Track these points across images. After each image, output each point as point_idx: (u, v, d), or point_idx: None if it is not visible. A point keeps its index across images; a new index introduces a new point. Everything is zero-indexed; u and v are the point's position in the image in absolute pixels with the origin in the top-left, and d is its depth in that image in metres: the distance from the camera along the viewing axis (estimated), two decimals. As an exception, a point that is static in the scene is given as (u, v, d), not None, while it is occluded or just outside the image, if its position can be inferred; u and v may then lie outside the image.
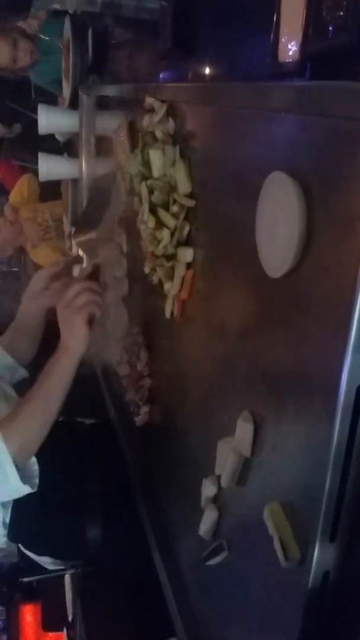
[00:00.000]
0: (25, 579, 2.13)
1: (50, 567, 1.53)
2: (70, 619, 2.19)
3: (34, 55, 2.50)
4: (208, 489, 0.93)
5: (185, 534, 1.09)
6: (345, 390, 0.57)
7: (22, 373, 1.52)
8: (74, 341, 1.25)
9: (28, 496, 1.20)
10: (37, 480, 1.24)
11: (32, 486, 1.21)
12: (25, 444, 1.19)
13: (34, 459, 1.25)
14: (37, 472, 1.25)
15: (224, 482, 0.86)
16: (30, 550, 1.45)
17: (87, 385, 1.82)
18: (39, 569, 1.54)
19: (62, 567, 1.57)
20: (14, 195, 3.00)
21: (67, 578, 2.06)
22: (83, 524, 1.41)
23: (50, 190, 2.93)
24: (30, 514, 1.31)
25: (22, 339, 1.49)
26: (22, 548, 1.47)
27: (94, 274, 1.38)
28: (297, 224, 0.66)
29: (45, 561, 1.48)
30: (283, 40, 0.71)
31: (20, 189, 2.97)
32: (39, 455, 1.24)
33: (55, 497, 1.34)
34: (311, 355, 0.65)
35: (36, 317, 1.47)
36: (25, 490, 1.19)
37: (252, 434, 0.79)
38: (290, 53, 0.69)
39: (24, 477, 1.19)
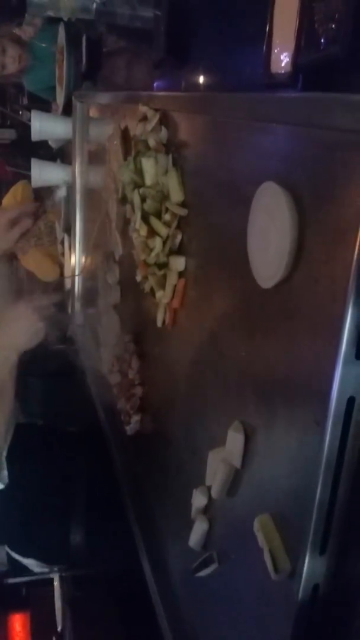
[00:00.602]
0: (10, 580, 2.12)
1: (36, 569, 1.52)
2: (59, 628, 2.17)
3: (23, 61, 2.50)
4: (198, 500, 0.93)
5: (175, 544, 1.09)
6: (335, 401, 0.57)
7: None
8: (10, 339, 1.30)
9: (14, 497, 1.20)
10: (5, 474, 1.24)
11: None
12: None
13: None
14: (4, 466, 1.25)
15: (214, 493, 0.85)
16: (15, 552, 1.45)
17: (78, 393, 1.81)
18: (25, 571, 1.53)
19: (46, 570, 1.56)
20: (7, 201, 3.00)
21: (57, 587, 2.05)
22: (68, 528, 1.41)
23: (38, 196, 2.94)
24: (15, 515, 1.31)
25: None
26: (7, 549, 1.47)
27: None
28: (288, 234, 0.66)
29: (30, 563, 1.48)
30: (275, 51, 0.71)
31: (14, 195, 2.96)
32: (27, 456, 1.24)
33: (41, 500, 1.34)
34: (302, 366, 0.65)
35: None
36: None
37: (243, 444, 0.78)
38: (283, 64, 0.69)
39: None
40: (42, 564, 1.50)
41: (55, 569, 1.58)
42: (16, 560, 1.47)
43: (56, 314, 1.44)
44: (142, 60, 1.45)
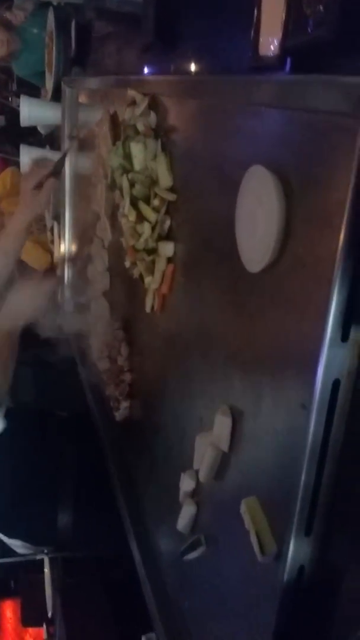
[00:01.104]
0: None
1: (20, 550, 1.52)
2: (50, 614, 2.18)
3: (10, 45, 2.47)
4: (186, 484, 0.93)
5: (164, 528, 1.09)
6: (321, 384, 0.57)
7: None
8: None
9: (0, 478, 1.21)
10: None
11: None
12: None
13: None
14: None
15: (202, 476, 0.86)
16: (0, 532, 1.46)
17: (68, 379, 1.81)
18: (8, 552, 1.53)
19: (31, 552, 1.57)
20: None
21: (47, 574, 2.05)
22: (55, 510, 1.41)
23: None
24: (1, 495, 1.31)
25: None
26: None
27: None
28: (276, 218, 0.66)
29: (15, 544, 1.48)
30: (264, 34, 0.71)
31: (3, 182, 2.94)
32: (16, 439, 1.25)
33: (29, 481, 1.35)
34: (289, 349, 0.65)
35: None
36: None
37: (230, 428, 0.79)
38: (271, 47, 0.68)
39: None
40: (28, 545, 1.50)
41: (43, 550, 1.58)
42: (1, 542, 1.47)
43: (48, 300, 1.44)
44: (131, 46, 1.44)
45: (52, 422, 1.62)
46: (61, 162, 1.49)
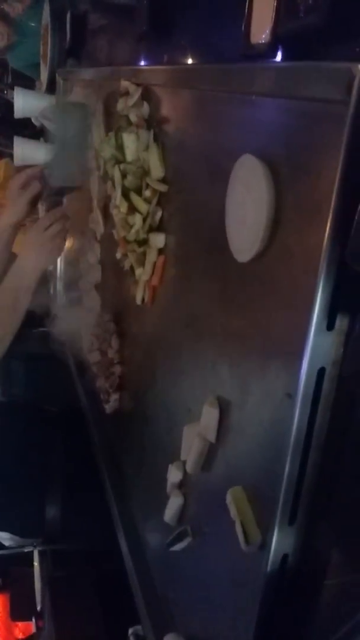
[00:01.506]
0: None
1: (8, 542, 1.52)
2: (39, 608, 2.18)
3: (9, 38, 2.45)
4: (174, 475, 0.93)
5: (151, 520, 1.09)
6: (306, 372, 0.57)
7: None
8: (44, 262, 1.35)
9: None
10: None
11: None
12: None
13: None
14: None
15: (189, 467, 0.86)
16: None
17: (58, 373, 1.81)
18: None
19: (20, 545, 1.56)
20: None
21: (36, 568, 2.05)
22: (43, 502, 1.41)
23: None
24: None
25: None
26: None
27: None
28: (265, 207, 0.65)
29: (3, 537, 1.48)
30: (255, 22, 0.70)
31: None
32: (4, 432, 1.25)
33: (17, 473, 1.35)
34: (276, 338, 0.65)
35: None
36: None
37: (217, 419, 0.79)
38: (262, 35, 0.68)
39: None
40: (16, 537, 1.50)
41: (32, 543, 1.58)
42: None
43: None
44: (126, 37, 1.43)
45: (42, 416, 1.62)
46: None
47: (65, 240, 1.38)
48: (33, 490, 1.42)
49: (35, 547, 1.62)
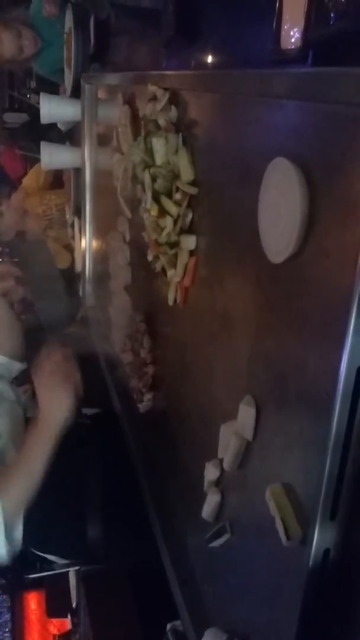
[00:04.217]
0: (31, 576, 2.17)
1: (55, 560, 1.54)
2: (74, 605, 2.21)
3: (37, 43, 2.48)
4: (211, 473, 0.94)
5: (189, 517, 1.11)
6: (345, 372, 0.58)
7: (18, 367, 1.57)
8: (59, 412, 1.27)
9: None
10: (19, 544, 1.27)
11: (13, 548, 1.24)
12: (11, 507, 1.23)
13: (20, 527, 1.27)
14: (20, 539, 1.27)
15: (226, 465, 0.87)
16: (35, 549, 1.46)
17: (91, 374, 1.83)
18: (44, 562, 1.55)
19: (66, 562, 1.59)
20: (28, 182, 3.02)
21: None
22: (83, 523, 1.42)
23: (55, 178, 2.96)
24: (33, 515, 1.31)
25: None
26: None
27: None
28: (299, 209, 0.67)
29: (51, 558, 1.50)
30: (285, 27, 0.71)
31: (37, 176, 2.98)
32: None
33: (58, 497, 1.35)
34: (312, 338, 0.66)
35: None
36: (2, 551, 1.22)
37: (254, 417, 0.80)
38: (293, 40, 0.69)
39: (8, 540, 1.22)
40: (61, 559, 1.52)
41: (76, 563, 1.61)
42: (34, 553, 1.48)
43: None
44: (150, 41, 1.45)
45: (77, 426, 1.62)
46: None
47: (77, 376, 1.33)
48: (74, 512, 1.41)
49: (80, 566, 1.65)
